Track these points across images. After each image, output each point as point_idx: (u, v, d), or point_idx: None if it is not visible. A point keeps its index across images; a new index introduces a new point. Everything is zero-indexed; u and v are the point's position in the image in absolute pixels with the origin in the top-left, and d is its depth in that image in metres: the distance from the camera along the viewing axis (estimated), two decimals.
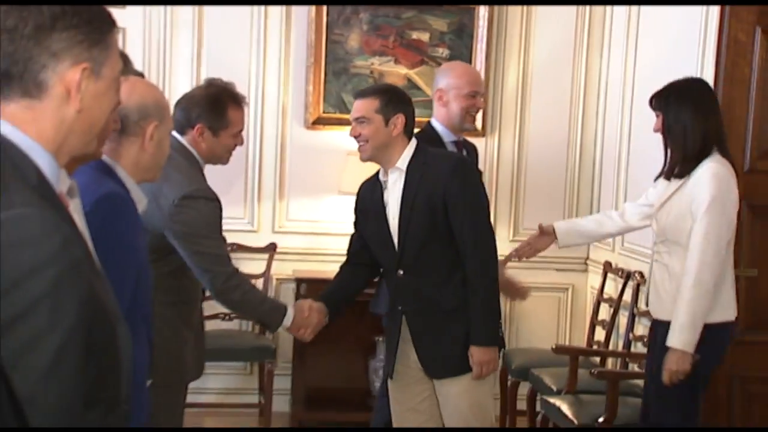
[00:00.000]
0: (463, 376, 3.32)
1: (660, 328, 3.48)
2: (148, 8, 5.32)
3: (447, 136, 3.98)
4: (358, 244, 3.59)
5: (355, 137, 3.36)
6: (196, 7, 5.37)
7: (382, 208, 3.40)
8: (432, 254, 3.32)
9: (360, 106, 3.35)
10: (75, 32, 1.58)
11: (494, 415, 3.51)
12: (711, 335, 3.41)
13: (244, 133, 5.36)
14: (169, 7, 5.34)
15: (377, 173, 3.49)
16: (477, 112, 4.16)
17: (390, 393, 3.55)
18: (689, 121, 3.46)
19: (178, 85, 5.21)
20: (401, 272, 3.36)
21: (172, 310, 2.96)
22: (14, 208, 1.44)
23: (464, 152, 4.10)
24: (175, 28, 5.39)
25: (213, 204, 3.21)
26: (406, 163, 3.34)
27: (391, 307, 3.47)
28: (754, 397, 4.08)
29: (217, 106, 3.35)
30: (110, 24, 1.67)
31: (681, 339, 3.36)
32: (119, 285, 1.90)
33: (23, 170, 1.54)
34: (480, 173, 4.16)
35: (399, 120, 3.31)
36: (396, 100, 3.36)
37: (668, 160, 3.54)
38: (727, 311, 3.51)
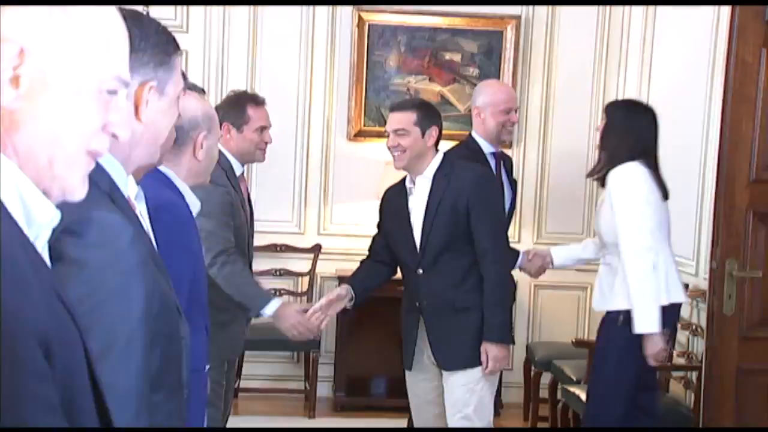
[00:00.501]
0: (471, 370, 3.31)
1: (605, 318, 3.63)
2: (208, 33, 5.40)
3: (486, 148, 4.01)
4: (379, 243, 3.58)
5: (393, 147, 3.34)
6: (251, 31, 5.42)
7: (406, 212, 3.39)
8: (450, 256, 3.31)
9: (399, 119, 3.34)
10: (142, 55, 1.59)
11: (492, 410, 3.50)
12: None
13: (291, 145, 5.50)
14: (226, 33, 5.41)
15: (402, 180, 3.49)
16: (512, 125, 4.17)
17: (408, 385, 3.58)
18: (623, 134, 3.56)
19: None
20: (420, 271, 3.35)
21: None
22: (88, 211, 1.46)
23: (501, 162, 4.13)
24: (231, 51, 5.44)
25: (218, 190, 3.21)
26: (433, 171, 3.33)
27: (409, 304, 3.46)
28: (760, 389, 3.99)
29: (236, 105, 3.49)
30: (174, 48, 1.69)
31: (642, 324, 3.45)
32: (178, 282, 1.94)
33: (97, 178, 1.53)
34: (515, 182, 4.24)
35: (434, 131, 3.32)
36: (431, 114, 3.37)
37: (597, 160, 3.69)
38: (669, 294, 3.60)
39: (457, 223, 3.28)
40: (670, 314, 3.57)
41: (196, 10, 5.37)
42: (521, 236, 5.43)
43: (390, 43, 5.47)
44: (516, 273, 4.05)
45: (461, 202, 3.27)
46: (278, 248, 5.31)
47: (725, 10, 4.01)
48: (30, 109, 1.05)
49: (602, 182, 3.63)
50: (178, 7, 5.33)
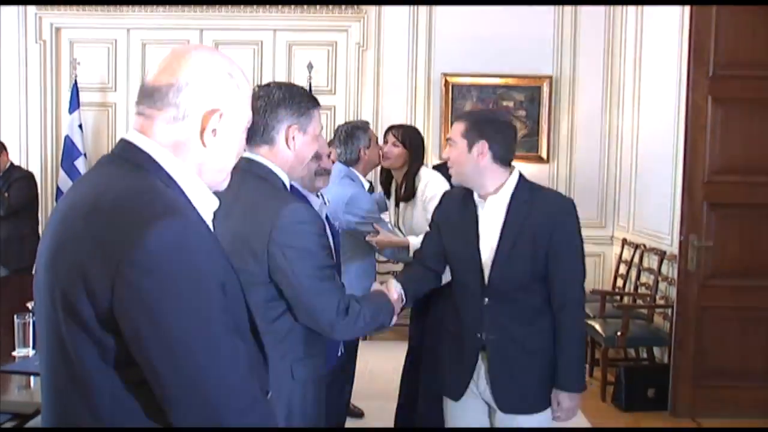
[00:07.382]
0: (535, 415, 2.19)
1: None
2: (349, 93, 5.53)
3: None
4: (431, 248, 2.33)
5: (446, 158, 2.21)
6: (375, 91, 5.52)
7: (474, 230, 2.19)
8: (525, 293, 2.15)
9: (453, 128, 2.21)
10: (290, 107, 1.64)
11: None
12: None
13: None
14: (359, 93, 5.54)
15: (464, 188, 2.25)
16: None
17: (448, 411, 2.33)
18: (418, 148, 3.42)
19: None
20: (487, 300, 2.16)
21: None
22: (291, 204, 1.57)
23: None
24: (362, 104, 5.57)
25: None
26: (509, 194, 2.16)
27: (468, 333, 2.21)
28: (713, 320, 4.14)
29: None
30: (314, 102, 1.70)
31: None
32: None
33: (278, 184, 1.63)
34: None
35: (482, 147, 2.12)
36: (482, 127, 2.14)
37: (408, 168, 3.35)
38: None
39: (536, 259, 2.11)
40: None
41: (341, 79, 5.57)
42: None
43: (466, 96, 5.55)
44: None
45: (543, 237, 2.10)
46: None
47: (685, 69, 4.12)
48: (215, 145, 1.10)
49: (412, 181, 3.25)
50: (330, 77, 5.57)
